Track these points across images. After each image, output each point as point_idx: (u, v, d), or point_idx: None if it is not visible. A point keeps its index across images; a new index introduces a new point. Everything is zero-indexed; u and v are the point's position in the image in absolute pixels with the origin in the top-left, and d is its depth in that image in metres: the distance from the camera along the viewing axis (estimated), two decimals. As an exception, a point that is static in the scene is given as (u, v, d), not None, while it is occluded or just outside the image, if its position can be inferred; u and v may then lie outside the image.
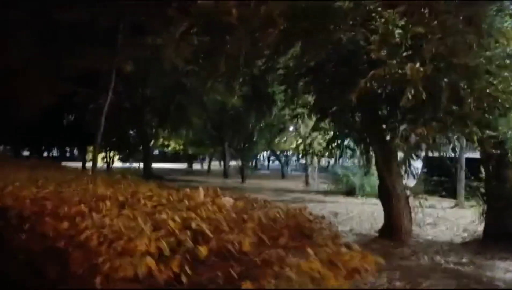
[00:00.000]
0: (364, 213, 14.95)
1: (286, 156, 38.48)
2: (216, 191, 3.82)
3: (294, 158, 43.59)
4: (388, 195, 10.43)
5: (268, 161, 48.39)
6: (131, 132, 27.57)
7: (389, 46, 6.04)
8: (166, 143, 38.53)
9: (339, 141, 10.38)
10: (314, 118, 12.11)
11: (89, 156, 34.04)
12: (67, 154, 35.25)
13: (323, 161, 26.72)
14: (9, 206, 3.36)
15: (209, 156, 40.02)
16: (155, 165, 30.77)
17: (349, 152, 21.97)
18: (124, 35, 16.23)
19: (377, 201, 17.83)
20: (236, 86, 12.84)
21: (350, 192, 19.31)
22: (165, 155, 44.68)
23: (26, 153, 31.85)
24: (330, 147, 10.47)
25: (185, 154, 42.50)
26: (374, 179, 19.56)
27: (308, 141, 23.22)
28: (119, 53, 16.07)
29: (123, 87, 17.05)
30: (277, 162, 48.03)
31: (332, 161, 33.40)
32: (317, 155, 17.40)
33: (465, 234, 11.35)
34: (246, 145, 26.12)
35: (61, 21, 15.72)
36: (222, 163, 47.28)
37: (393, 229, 10.43)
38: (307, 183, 23.68)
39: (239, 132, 24.27)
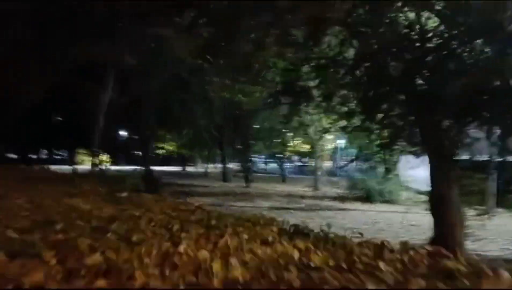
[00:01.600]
0: (393, 222, 13.59)
1: (285, 158, 36.93)
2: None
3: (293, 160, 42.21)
4: (442, 204, 9.10)
5: (266, 163, 47.01)
6: (125, 133, 25.95)
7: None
8: (158, 145, 36.73)
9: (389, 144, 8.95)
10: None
11: (79, 158, 32.30)
12: (56, 157, 33.11)
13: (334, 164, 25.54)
14: None
15: (205, 158, 38.35)
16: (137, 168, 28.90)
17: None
18: (125, 24, 14.62)
19: (398, 208, 16.64)
20: (260, 81, 11.38)
21: (367, 198, 17.94)
22: (157, 158, 42.68)
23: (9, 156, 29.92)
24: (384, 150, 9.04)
25: (179, 156, 40.77)
26: (391, 185, 18.31)
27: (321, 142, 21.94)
28: (118, 45, 14.46)
29: (121, 83, 15.41)
30: (273, 165, 46.75)
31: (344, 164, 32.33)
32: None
33: (514, 247, 10.22)
34: (252, 146, 24.70)
35: (54, 6, 14.11)
36: (217, 165, 45.88)
37: (446, 242, 9.14)
38: (315, 187, 22.22)
39: (246, 132, 22.66)
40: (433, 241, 9.47)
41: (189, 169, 42.79)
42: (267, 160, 45.28)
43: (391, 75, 8.45)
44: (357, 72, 8.80)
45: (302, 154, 45.58)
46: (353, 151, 32.50)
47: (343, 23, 8.94)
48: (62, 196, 3.39)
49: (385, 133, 9.28)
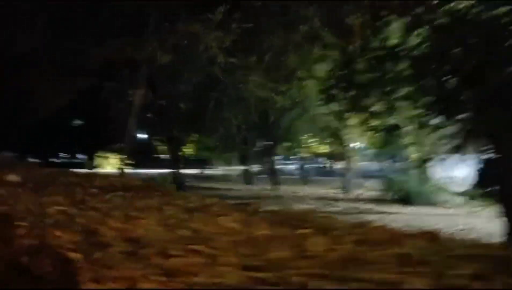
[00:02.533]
0: (445, 227, 12.65)
1: (306, 159, 36.13)
2: None
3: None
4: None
5: (284, 165, 46.20)
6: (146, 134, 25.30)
7: None
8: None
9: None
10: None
11: (98, 162, 31.79)
12: (73, 161, 32.43)
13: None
14: None
15: (225, 160, 37.64)
16: (161, 171, 28.55)
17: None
18: (155, 21, 13.93)
19: (442, 211, 15.80)
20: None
21: (405, 200, 17.08)
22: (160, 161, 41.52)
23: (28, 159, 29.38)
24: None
25: (196, 158, 40.05)
26: (431, 186, 17.44)
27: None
28: (148, 43, 13.77)
29: (150, 83, 14.70)
30: (289, 166, 45.87)
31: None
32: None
33: None
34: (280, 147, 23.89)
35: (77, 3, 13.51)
36: (234, 168, 45.10)
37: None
38: (345, 189, 21.40)
39: (274, 132, 21.78)
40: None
41: (207, 171, 42.10)
42: (285, 161, 44.43)
43: (465, 68, 7.74)
44: (426, 65, 8.08)
45: (321, 155, 44.80)
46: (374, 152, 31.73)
47: (408, 11, 8.24)
48: (198, 214, 2.59)
49: (454, 130, 8.54)
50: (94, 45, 13.15)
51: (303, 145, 29.30)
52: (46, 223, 2.29)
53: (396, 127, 9.28)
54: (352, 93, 8.57)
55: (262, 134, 23.24)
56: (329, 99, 9.60)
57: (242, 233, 1.92)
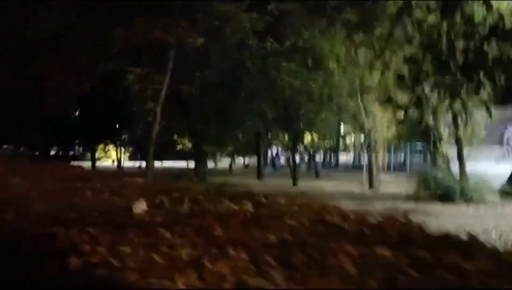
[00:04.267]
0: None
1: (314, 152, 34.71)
2: None
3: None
4: None
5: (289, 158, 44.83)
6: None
7: None
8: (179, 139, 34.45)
9: None
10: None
11: (99, 154, 30.21)
12: (72, 153, 30.41)
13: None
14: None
15: (230, 153, 36.28)
16: (160, 164, 27.24)
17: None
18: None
19: (493, 210, 14.48)
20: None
21: (444, 197, 15.73)
22: (173, 153, 39.68)
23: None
24: None
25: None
26: (473, 182, 16.15)
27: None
28: (177, 22, 12.23)
29: (175, 70, 13.06)
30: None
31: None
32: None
33: None
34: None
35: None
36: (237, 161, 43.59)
37: None
38: (371, 185, 20.11)
39: (299, 123, 20.16)
40: None
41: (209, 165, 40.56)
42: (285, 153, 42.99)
43: None
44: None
45: (323, 148, 43.38)
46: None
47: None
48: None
49: None
50: (116, 25, 11.55)
51: (314, 138, 28.03)
52: None
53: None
54: (452, 76, 7.17)
55: (284, 125, 21.74)
56: (413, 84, 8.16)
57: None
